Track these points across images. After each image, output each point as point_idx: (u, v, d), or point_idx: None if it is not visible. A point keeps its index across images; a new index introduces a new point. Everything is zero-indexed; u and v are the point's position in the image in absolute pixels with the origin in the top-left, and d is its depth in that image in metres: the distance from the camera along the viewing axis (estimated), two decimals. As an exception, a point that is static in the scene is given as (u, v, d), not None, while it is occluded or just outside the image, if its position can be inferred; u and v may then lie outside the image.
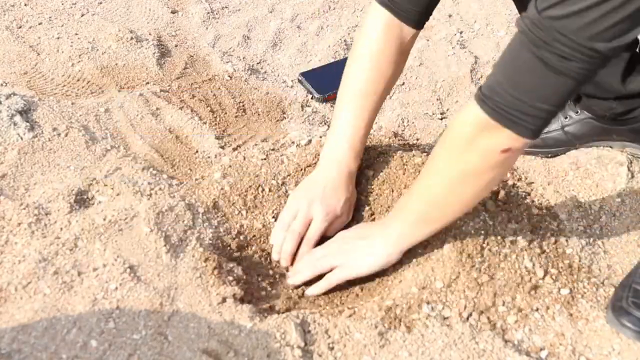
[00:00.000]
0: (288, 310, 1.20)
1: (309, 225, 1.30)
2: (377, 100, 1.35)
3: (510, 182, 1.50)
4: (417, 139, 1.67)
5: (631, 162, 1.54)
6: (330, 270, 1.23)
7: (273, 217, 1.37)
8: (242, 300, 1.18)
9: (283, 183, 1.42)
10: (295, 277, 1.26)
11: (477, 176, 1.08)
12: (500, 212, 1.35)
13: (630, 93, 1.40)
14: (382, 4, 1.31)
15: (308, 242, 1.29)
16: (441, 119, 1.77)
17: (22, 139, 1.46)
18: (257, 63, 1.96)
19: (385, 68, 1.33)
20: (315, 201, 1.30)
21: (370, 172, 1.43)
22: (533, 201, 1.44)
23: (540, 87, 0.98)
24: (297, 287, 1.26)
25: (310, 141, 1.51)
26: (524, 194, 1.47)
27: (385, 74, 1.34)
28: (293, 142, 1.55)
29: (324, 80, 1.80)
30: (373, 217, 1.38)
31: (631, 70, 1.39)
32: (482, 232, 1.29)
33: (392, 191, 1.38)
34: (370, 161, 1.45)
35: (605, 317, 1.20)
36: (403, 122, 1.74)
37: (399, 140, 1.62)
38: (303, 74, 1.84)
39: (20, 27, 1.93)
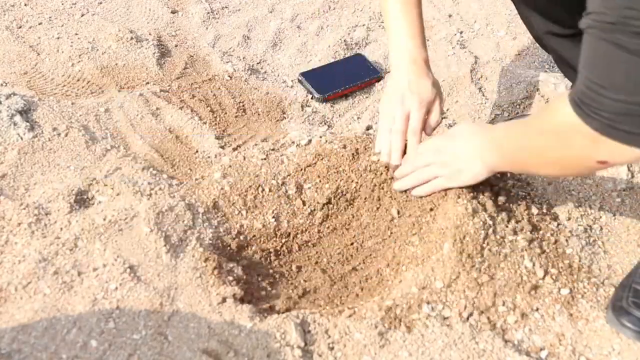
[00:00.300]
0: (288, 310, 1.20)
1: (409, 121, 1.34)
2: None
3: (510, 182, 1.50)
4: (417, 139, 1.67)
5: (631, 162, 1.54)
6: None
7: (273, 217, 1.37)
8: (242, 300, 1.18)
9: (283, 183, 1.42)
10: (401, 183, 1.32)
11: (569, 168, 1.10)
12: (500, 212, 1.35)
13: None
14: None
15: (413, 133, 1.34)
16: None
17: (22, 139, 1.46)
18: (257, 63, 1.96)
19: None
20: (405, 95, 1.33)
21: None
22: (533, 201, 1.44)
23: (626, 78, 0.89)
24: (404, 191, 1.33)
25: (310, 141, 1.51)
26: (524, 194, 1.47)
27: None
28: (293, 142, 1.55)
29: (324, 80, 1.80)
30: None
31: None
32: (482, 232, 1.28)
33: None
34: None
35: (605, 317, 1.20)
36: (403, 122, 1.73)
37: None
38: (303, 74, 1.83)
39: (20, 27, 1.93)
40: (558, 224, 1.40)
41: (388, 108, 1.36)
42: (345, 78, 1.80)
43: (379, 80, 1.83)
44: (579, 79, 0.96)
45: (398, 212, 1.34)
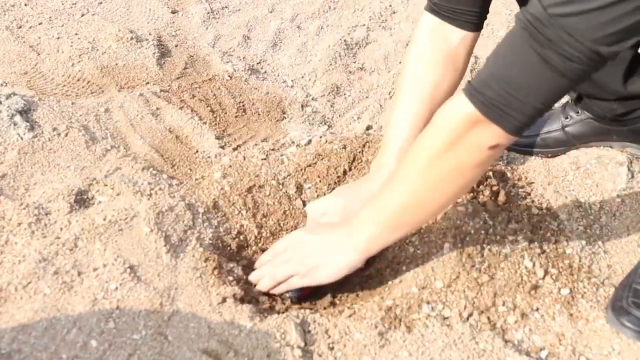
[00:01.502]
0: (288, 310, 1.20)
1: None
2: (421, 104, 1.32)
3: (510, 182, 1.50)
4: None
5: (631, 162, 1.54)
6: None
7: (273, 217, 1.37)
8: (242, 300, 1.18)
9: (283, 183, 1.42)
10: (259, 285, 1.23)
11: (462, 174, 1.05)
12: (500, 212, 1.35)
13: (631, 94, 1.40)
14: (429, 9, 1.30)
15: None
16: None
17: (22, 139, 1.46)
18: (257, 63, 1.96)
19: (432, 72, 1.31)
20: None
21: None
22: (533, 201, 1.44)
23: (537, 85, 0.96)
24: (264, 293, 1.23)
25: (310, 141, 1.51)
26: (524, 194, 1.47)
27: (433, 78, 1.31)
28: (293, 142, 1.55)
29: None
30: None
31: (632, 71, 1.39)
32: (482, 232, 1.29)
33: None
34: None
35: (605, 317, 1.20)
36: (403, 122, 1.73)
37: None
38: None
39: (20, 27, 1.93)
40: (558, 224, 1.40)
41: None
42: None
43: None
44: (482, 71, 1.00)
45: None
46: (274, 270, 1.21)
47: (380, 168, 1.31)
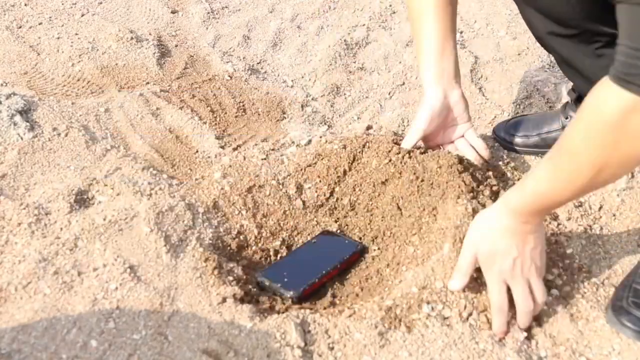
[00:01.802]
0: (288, 310, 1.20)
1: None
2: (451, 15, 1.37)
3: (510, 182, 1.50)
4: (417, 139, 1.67)
5: (631, 162, 1.54)
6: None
7: (273, 217, 1.37)
8: (242, 300, 1.18)
9: (283, 183, 1.42)
10: (523, 321, 1.15)
11: (627, 162, 0.96)
12: (500, 212, 1.35)
13: None
14: None
15: None
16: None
17: (22, 139, 1.46)
18: (257, 63, 1.96)
19: None
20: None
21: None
22: (533, 201, 1.44)
23: None
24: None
25: (310, 141, 1.51)
26: (524, 194, 1.47)
27: None
28: (293, 142, 1.55)
29: (293, 274, 1.29)
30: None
31: None
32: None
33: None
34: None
35: (605, 317, 1.20)
36: (403, 122, 1.73)
37: (399, 140, 1.62)
38: (264, 274, 1.28)
39: (20, 27, 1.93)
40: (558, 224, 1.40)
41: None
42: (318, 264, 1.30)
43: (361, 254, 1.35)
44: (618, 53, 0.92)
45: (400, 211, 1.34)
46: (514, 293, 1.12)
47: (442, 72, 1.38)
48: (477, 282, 1.21)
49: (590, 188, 1.05)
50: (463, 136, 1.46)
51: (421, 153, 1.40)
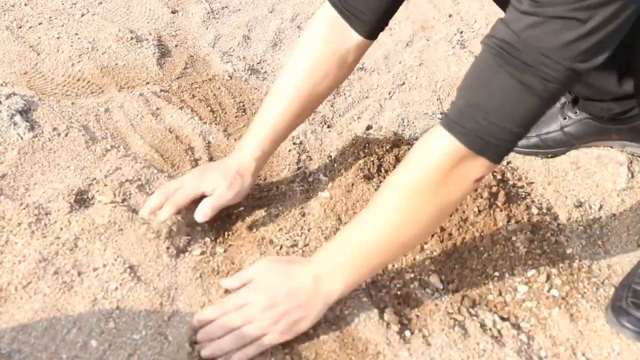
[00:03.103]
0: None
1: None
2: (297, 106, 1.29)
3: (510, 182, 1.50)
4: (417, 139, 1.67)
5: (631, 162, 1.54)
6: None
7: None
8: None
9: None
10: (211, 347, 1.04)
11: (446, 209, 1.02)
12: (500, 212, 1.35)
13: (627, 94, 1.40)
14: (332, 3, 1.24)
15: (175, 202, 1.23)
16: (441, 119, 1.77)
17: (22, 139, 1.45)
18: (257, 63, 1.96)
19: (317, 75, 1.27)
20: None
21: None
22: (533, 201, 1.44)
23: (517, 110, 0.94)
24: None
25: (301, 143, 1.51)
26: (524, 194, 1.47)
27: (317, 74, 1.27)
28: (293, 143, 1.55)
29: None
30: None
31: (626, 71, 1.39)
32: (483, 232, 1.29)
33: None
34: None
35: (605, 318, 1.20)
36: (403, 122, 1.74)
37: (399, 140, 1.62)
38: None
39: (20, 27, 1.93)
40: (558, 224, 1.40)
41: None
42: None
43: None
44: (456, 102, 0.97)
45: None
46: (238, 334, 1.03)
47: (240, 149, 1.31)
48: (477, 282, 1.21)
49: (413, 241, 1.08)
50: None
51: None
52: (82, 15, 2.03)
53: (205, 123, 1.65)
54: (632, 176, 1.51)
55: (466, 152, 0.96)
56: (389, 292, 1.21)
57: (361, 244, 1.05)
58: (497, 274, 1.25)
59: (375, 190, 1.33)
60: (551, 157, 1.59)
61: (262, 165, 1.34)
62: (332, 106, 1.80)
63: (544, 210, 1.42)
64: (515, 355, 1.11)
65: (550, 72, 0.91)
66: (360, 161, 1.44)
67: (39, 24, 1.96)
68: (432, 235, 1.27)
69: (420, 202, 1.00)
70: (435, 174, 0.98)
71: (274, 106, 1.30)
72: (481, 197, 1.34)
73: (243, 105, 1.76)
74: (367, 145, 1.49)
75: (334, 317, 1.14)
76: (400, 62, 2.00)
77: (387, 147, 1.47)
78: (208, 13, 2.14)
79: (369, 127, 1.70)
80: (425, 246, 1.28)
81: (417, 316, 1.16)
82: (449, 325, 1.14)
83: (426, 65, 1.97)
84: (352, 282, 1.07)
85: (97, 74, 1.78)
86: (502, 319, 1.18)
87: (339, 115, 1.77)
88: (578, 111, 1.55)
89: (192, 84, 1.80)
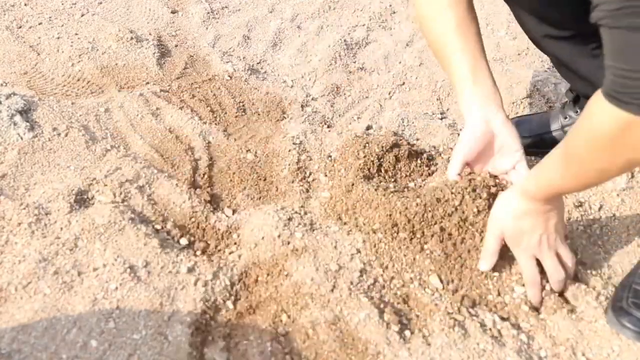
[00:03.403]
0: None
1: None
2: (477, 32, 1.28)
3: (509, 183, 1.50)
4: (417, 139, 1.67)
5: (631, 162, 1.54)
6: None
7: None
8: (242, 300, 1.18)
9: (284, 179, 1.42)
10: (556, 285, 1.22)
11: (628, 167, 1.00)
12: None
13: None
14: None
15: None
16: (441, 118, 1.77)
17: (22, 139, 1.45)
18: (257, 63, 1.96)
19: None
20: None
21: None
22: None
23: None
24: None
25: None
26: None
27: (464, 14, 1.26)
28: (294, 143, 1.55)
29: None
30: None
31: None
32: (483, 232, 1.28)
33: None
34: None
35: (605, 318, 1.20)
36: (403, 122, 1.73)
37: (399, 140, 1.62)
38: None
39: (20, 27, 1.93)
40: (558, 224, 1.39)
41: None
42: None
43: None
44: (608, 72, 0.94)
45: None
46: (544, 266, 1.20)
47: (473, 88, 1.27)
48: (477, 281, 1.21)
49: (597, 184, 1.13)
50: (515, 167, 1.33)
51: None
52: (82, 15, 2.03)
53: (205, 123, 1.65)
54: (632, 176, 1.51)
55: (633, 119, 0.91)
56: (389, 292, 1.21)
57: (547, 181, 1.12)
58: (496, 274, 1.25)
59: (375, 190, 1.33)
60: (551, 157, 1.59)
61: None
62: (332, 106, 1.80)
63: (544, 210, 1.42)
64: (515, 355, 1.11)
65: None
66: (360, 161, 1.44)
67: (39, 24, 1.96)
68: (432, 235, 1.27)
69: (593, 164, 1.01)
70: (603, 142, 0.97)
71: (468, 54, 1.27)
72: (480, 197, 1.33)
73: (243, 105, 1.76)
74: (367, 145, 1.49)
75: (333, 317, 1.14)
76: (400, 62, 2.00)
77: (387, 147, 1.47)
78: (208, 13, 2.14)
79: (369, 127, 1.70)
80: (425, 246, 1.27)
81: (417, 316, 1.16)
82: (449, 325, 1.14)
83: (426, 65, 1.97)
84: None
85: (97, 74, 1.78)
86: (502, 319, 1.18)
87: (339, 115, 1.77)
88: (579, 110, 1.55)
89: (192, 84, 1.80)
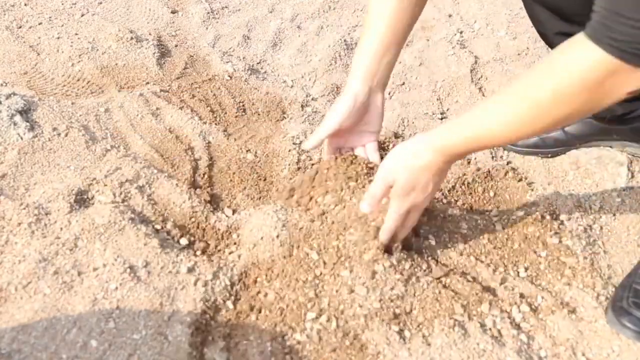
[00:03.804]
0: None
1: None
2: (390, 32, 1.26)
3: (510, 182, 1.50)
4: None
5: (631, 162, 1.54)
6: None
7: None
8: (242, 300, 1.18)
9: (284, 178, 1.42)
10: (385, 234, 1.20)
11: (588, 114, 0.99)
12: (500, 212, 1.35)
13: (633, 95, 1.39)
14: None
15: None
16: (441, 118, 1.77)
17: (22, 139, 1.46)
18: (257, 63, 1.96)
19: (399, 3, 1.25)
20: None
21: None
22: (533, 201, 1.44)
23: None
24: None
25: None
26: (524, 193, 1.47)
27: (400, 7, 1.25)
28: (294, 143, 1.55)
29: None
30: None
31: None
32: (485, 232, 1.29)
33: None
34: None
35: (605, 318, 1.20)
36: (403, 122, 1.74)
37: (399, 140, 1.62)
38: None
39: (20, 27, 1.93)
40: (558, 224, 1.40)
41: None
42: None
43: None
44: (595, 15, 0.92)
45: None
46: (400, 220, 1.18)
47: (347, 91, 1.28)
48: (476, 281, 1.21)
49: (544, 132, 1.08)
50: (364, 146, 1.35)
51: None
52: (82, 15, 2.03)
53: (205, 123, 1.65)
54: (632, 176, 1.51)
55: (619, 64, 0.90)
56: (389, 292, 1.21)
57: (479, 131, 1.07)
58: (496, 274, 1.25)
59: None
60: (551, 157, 1.59)
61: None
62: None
63: (544, 210, 1.42)
64: (515, 355, 1.11)
65: None
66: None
67: (39, 24, 1.96)
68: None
69: (558, 107, 0.97)
70: (583, 85, 0.94)
71: (372, 48, 1.27)
72: (479, 197, 1.34)
73: (243, 105, 1.76)
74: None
75: (334, 317, 1.14)
76: (400, 62, 2.00)
77: (387, 147, 1.47)
78: (208, 13, 2.14)
79: (369, 127, 1.70)
80: (425, 246, 1.28)
81: (417, 316, 1.16)
82: (449, 325, 1.14)
83: (426, 65, 1.97)
84: (457, 143, 1.10)
85: (97, 74, 1.78)
86: (502, 319, 1.18)
87: (339, 115, 1.77)
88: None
89: (192, 84, 1.80)
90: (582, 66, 0.93)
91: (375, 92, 1.29)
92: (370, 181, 1.23)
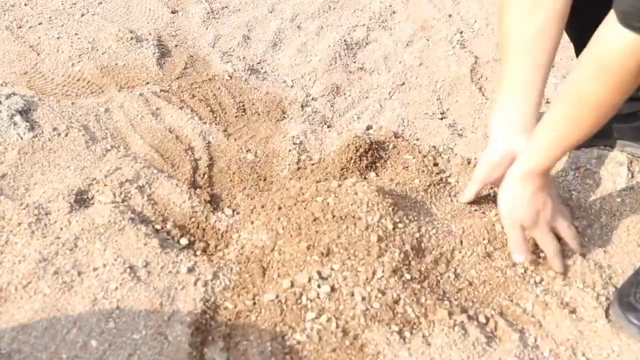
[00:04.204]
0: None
1: None
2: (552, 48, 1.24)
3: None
4: (417, 139, 1.67)
5: (631, 162, 1.54)
6: None
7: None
8: (242, 300, 1.18)
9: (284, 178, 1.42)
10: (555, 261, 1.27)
11: (625, 97, 1.03)
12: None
13: (637, 96, 1.39)
14: None
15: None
16: (441, 118, 1.77)
17: (22, 139, 1.46)
18: (257, 63, 1.96)
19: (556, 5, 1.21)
20: None
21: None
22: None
23: None
24: None
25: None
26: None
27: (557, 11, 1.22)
28: (294, 143, 1.55)
29: None
30: None
31: None
32: (486, 233, 1.29)
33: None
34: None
35: (605, 318, 1.20)
36: (403, 122, 1.74)
37: (400, 141, 1.62)
38: None
39: (20, 27, 1.93)
40: (558, 224, 1.39)
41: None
42: None
43: None
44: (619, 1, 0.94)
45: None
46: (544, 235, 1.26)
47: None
48: (476, 281, 1.21)
49: (595, 129, 1.12)
50: None
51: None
52: (82, 15, 2.03)
53: (205, 123, 1.65)
54: (632, 176, 1.51)
55: None
56: (389, 291, 1.21)
57: (551, 139, 1.15)
58: (496, 273, 1.25)
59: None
60: (551, 157, 1.59)
61: None
62: (332, 106, 1.80)
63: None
64: (515, 355, 1.11)
65: None
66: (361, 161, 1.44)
67: (39, 24, 1.96)
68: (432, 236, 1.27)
69: (604, 98, 1.02)
70: (623, 74, 0.98)
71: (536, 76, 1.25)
72: (479, 197, 1.34)
73: (243, 105, 1.76)
74: (367, 145, 1.49)
75: (334, 318, 1.14)
76: (400, 62, 2.00)
77: (387, 147, 1.47)
78: (208, 13, 2.14)
79: (369, 127, 1.70)
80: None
81: (417, 316, 1.16)
82: (449, 325, 1.14)
83: (426, 65, 1.97)
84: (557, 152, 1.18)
85: (97, 74, 1.78)
86: (502, 319, 1.18)
87: (339, 115, 1.77)
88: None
89: (192, 84, 1.80)
90: (615, 50, 0.96)
91: (517, 138, 1.28)
92: None
